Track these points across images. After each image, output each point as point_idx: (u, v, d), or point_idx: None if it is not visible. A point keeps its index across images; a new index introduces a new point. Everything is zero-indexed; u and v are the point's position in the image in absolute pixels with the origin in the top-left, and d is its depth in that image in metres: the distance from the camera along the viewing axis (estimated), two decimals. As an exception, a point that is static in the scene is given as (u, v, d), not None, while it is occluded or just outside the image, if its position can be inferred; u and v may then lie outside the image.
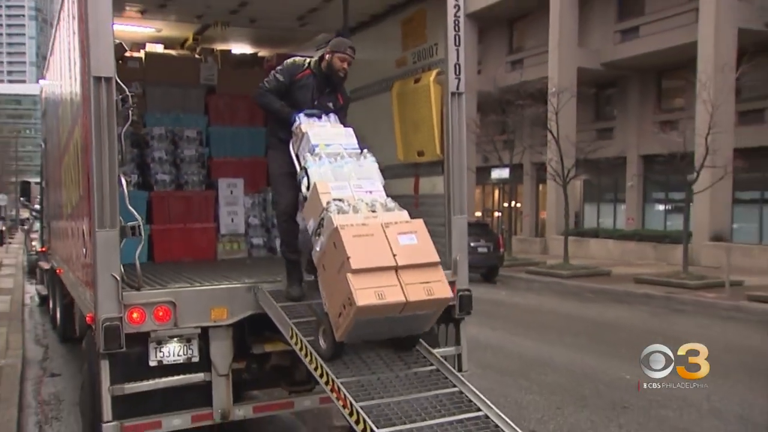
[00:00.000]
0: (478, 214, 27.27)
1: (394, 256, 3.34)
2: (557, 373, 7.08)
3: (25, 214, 39.00)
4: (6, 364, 7.03)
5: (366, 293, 3.19)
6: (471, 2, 23.05)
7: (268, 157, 4.51)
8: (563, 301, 13.17)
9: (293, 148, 4.09)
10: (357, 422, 3.09)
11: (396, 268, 3.33)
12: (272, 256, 6.02)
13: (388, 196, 3.78)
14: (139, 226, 3.73)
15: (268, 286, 4.11)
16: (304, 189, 3.83)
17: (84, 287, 4.33)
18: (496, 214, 27.65)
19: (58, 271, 7.48)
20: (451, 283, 4.00)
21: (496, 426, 3.19)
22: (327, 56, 4.19)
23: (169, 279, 4.37)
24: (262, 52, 7.17)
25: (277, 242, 5.77)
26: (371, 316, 3.26)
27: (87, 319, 4.03)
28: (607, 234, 21.53)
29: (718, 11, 16.98)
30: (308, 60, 4.35)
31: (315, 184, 3.71)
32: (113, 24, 3.73)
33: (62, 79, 5.67)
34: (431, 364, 3.65)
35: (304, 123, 4.07)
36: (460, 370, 4.27)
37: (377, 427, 2.99)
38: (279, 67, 4.31)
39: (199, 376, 3.95)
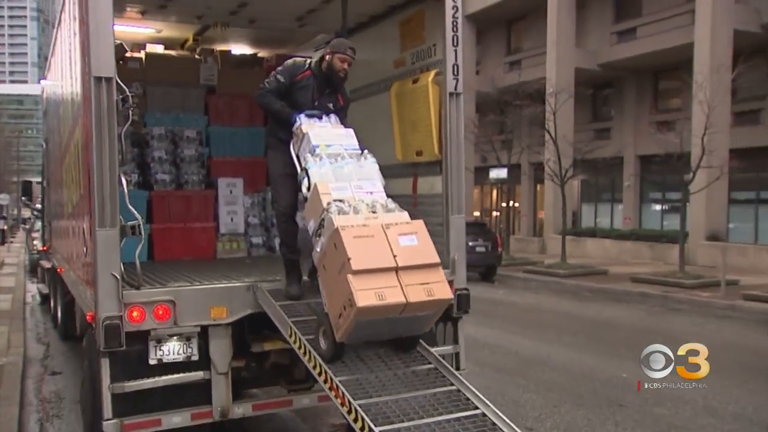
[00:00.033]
0: (477, 213, 27.30)
1: (395, 257, 3.35)
2: (555, 372, 7.12)
3: (26, 213, 39.00)
4: (7, 362, 7.06)
5: (366, 294, 3.19)
6: (469, 3, 23.09)
7: (267, 157, 4.52)
8: (561, 300, 13.21)
9: (294, 149, 4.10)
10: (355, 420, 3.10)
11: (396, 269, 3.33)
12: (271, 255, 6.04)
13: (387, 196, 3.79)
14: (139, 225, 3.75)
15: (267, 285, 4.13)
16: (304, 189, 3.84)
17: (84, 286, 4.35)
18: (495, 213, 27.70)
19: (59, 269, 7.50)
20: (449, 282, 4.01)
21: (494, 424, 3.21)
22: (327, 57, 4.20)
23: (169, 278, 4.40)
24: (262, 53, 7.20)
25: (276, 241, 5.79)
26: (371, 317, 3.27)
27: (87, 317, 4.05)
28: (605, 233, 21.58)
29: (715, 13, 17.04)
30: (309, 61, 4.37)
31: (316, 184, 3.71)
32: (114, 25, 3.75)
33: (63, 79, 5.68)
34: (429, 363, 3.68)
35: (304, 124, 4.08)
36: (457, 368, 4.30)
37: (375, 425, 3.00)
38: (279, 68, 4.32)
39: (198, 375, 3.97)
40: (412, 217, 3.68)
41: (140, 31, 6.42)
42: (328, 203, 3.56)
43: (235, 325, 4.09)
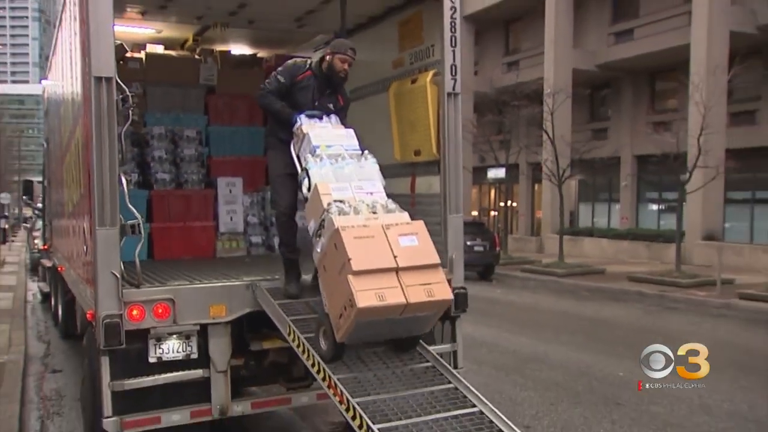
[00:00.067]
0: (475, 213, 27.33)
1: (395, 257, 3.35)
2: (552, 370, 7.15)
3: (27, 212, 38.92)
4: (8, 360, 7.07)
5: (367, 295, 3.20)
6: (467, 4, 23.11)
7: (267, 157, 4.54)
8: (559, 299, 13.25)
9: (294, 149, 4.12)
10: (353, 418, 3.12)
11: (397, 270, 3.34)
12: (270, 254, 6.06)
13: (387, 196, 3.81)
14: (139, 224, 3.78)
15: (266, 283, 4.15)
16: (305, 190, 3.85)
17: (85, 284, 4.36)
18: (492, 213, 27.76)
19: (59, 268, 7.51)
20: (447, 281, 4.05)
21: (491, 422, 3.22)
22: (327, 57, 4.21)
23: (169, 277, 4.41)
24: (261, 53, 7.22)
25: (276, 240, 5.82)
26: (372, 318, 3.27)
27: (88, 316, 4.06)
28: (602, 233, 21.64)
29: (711, 14, 17.10)
30: (309, 61, 4.38)
31: (316, 185, 3.72)
32: (114, 25, 3.76)
33: (64, 79, 5.70)
34: (427, 361, 3.70)
35: (305, 124, 4.09)
36: (455, 366, 4.32)
37: (373, 423, 3.02)
38: (280, 69, 4.33)
39: (197, 373, 3.99)
40: (411, 217, 3.70)
41: (140, 31, 6.45)
42: (329, 204, 3.56)
43: (235, 324, 4.11)
